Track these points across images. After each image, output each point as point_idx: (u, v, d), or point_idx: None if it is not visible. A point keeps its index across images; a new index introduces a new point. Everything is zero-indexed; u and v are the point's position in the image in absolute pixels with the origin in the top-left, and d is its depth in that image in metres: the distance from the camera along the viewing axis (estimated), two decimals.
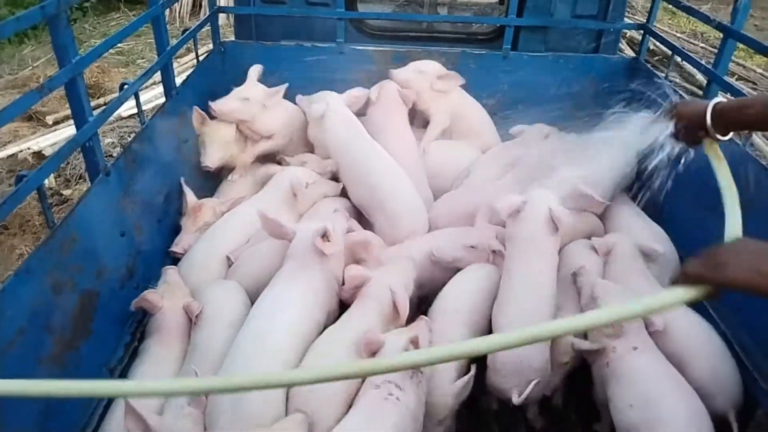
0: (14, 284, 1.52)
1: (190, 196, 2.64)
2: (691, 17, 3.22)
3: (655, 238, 2.46)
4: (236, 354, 1.81)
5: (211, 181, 2.97)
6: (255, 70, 2.97)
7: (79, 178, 4.06)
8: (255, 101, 2.88)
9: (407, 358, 1.26)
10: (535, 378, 1.92)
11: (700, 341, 2.02)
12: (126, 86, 2.23)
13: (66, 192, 3.96)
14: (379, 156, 2.71)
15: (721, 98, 1.44)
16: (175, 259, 2.49)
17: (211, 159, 2.78)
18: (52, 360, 1.68)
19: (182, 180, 2.67)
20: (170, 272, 2.26)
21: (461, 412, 1.97)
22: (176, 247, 2.51)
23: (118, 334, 2.10)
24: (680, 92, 2.94)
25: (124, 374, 2.00)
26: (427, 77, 3.08)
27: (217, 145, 2.81)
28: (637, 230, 2.52)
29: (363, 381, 1.76)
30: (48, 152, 4.24)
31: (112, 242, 2.08)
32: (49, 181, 3.95)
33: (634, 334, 1.96)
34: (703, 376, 1.93)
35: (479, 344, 1.02)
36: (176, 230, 2.62)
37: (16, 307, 1.52)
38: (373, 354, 1.79)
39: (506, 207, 2.24)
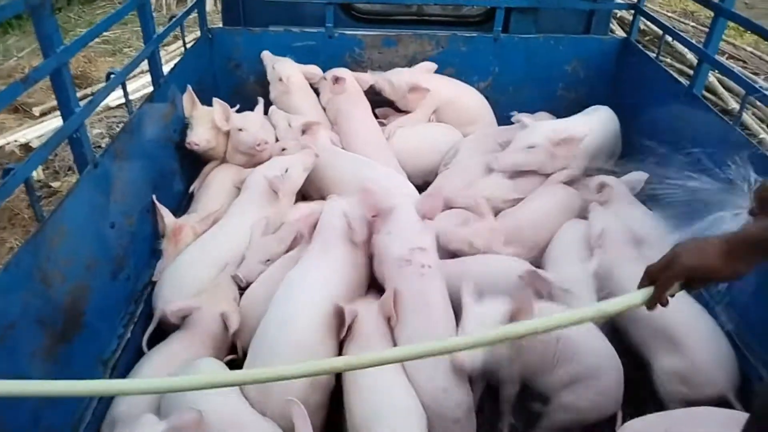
0: (4, 278, 1.51)
1: (167, 217, 2.48)
2: None
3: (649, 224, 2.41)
4: (262, 338, 1.88)
5: (200, 169, 2.96)
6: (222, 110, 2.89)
7: (68, 170, 4.02)
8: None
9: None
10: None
11: (695, 324, 2.02)
12: (113, 75, 2.19)
13: (55, 184, 3.92)
14: (351, 155, 2.86)
15: None
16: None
17: (199, 137, 2.79)
18: (44, 353, 1.66)
19: (155, 198, 2.50)
20: (222, 274, 2.27)
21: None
22: (159, 275, 2.36)
23: (110, 326, 2.09)
24: (671, 72, 2.94)
25: (117, 366, 2.00)
26: (398, 91, 3.13)
27: (207, 127, 2.83)
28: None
29: None
30: (35, 144, 4.18)
31: (102, 234, 2.06)
32: (38, 174, 3.91)
33: None
34: (701, 358, 1.93)
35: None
36: None
37: (6, 301, 1.51)
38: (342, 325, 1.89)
39: None
